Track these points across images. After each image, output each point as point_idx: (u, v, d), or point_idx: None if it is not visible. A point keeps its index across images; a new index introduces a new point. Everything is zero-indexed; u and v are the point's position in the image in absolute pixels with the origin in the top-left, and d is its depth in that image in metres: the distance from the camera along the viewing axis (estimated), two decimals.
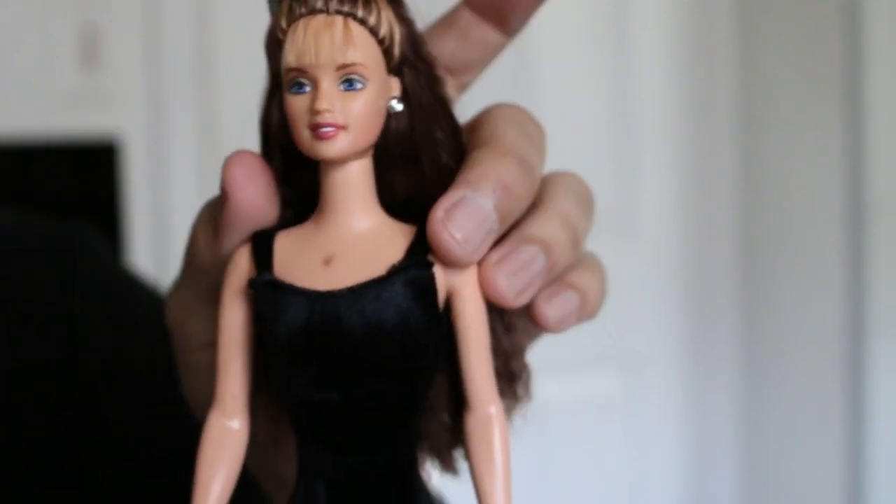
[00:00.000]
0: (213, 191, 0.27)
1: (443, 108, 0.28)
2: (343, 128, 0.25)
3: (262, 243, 0.26)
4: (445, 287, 0.26)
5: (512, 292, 0.26)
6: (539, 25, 1.77)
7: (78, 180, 1.36)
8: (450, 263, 0.26)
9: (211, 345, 0.29)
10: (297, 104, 0.25)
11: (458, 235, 0.25)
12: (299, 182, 0.27)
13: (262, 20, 0.27)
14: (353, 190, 0.26)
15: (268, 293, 0.25)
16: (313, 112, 0.25)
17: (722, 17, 1.79)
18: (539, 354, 1.48)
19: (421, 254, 0.26)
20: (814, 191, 1.66)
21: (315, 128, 0.25)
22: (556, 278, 0.29)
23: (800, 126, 1.69)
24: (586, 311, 0.31)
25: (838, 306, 1.62)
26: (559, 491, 1.74)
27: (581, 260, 0.31)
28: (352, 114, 0.25)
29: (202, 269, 0.29)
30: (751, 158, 1.79)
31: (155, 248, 1.39)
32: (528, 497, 1.72)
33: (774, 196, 1.75)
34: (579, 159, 1.90)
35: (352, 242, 0.26)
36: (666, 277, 1.82)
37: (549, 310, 0.29)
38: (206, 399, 0.29)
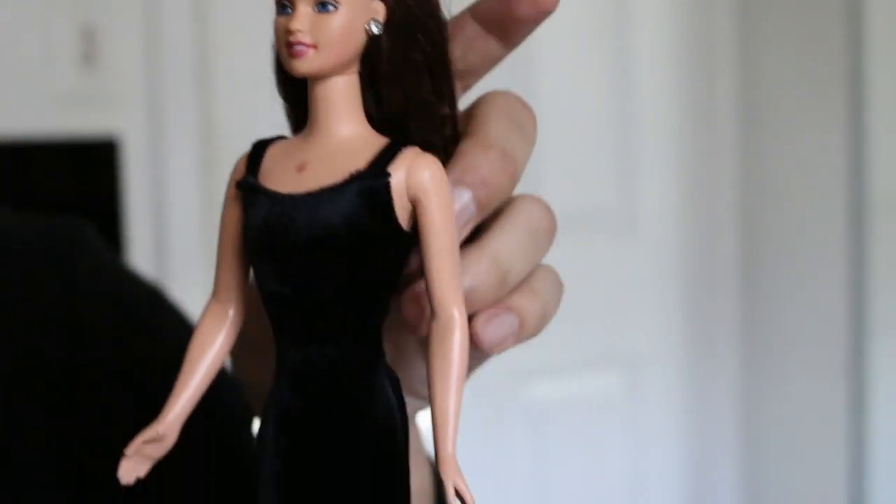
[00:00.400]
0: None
1: (427, 34, 0.29)
2: (313, 47, 0.27)
3: (257, 151, 0.29)
4: (408, 197, 0.28)
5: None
6: (542, 27, 1.75)
7: (78, 180, 1.36)
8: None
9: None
10: (278, 25, 0.28)
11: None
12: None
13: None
14: (333, 104, 0.28)
15: (247, 194, 0.28)
16: (287, 32, 0.27)
17: (723, 17, 1.79)
18: (540, 355, 1.49)
19: (384, 165, 0.27)
20: (814, 190, 1.66)
21: (289, 46, 0.27)
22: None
23: (800, 126, 1.69)
24: (525, 333, 0.32)
25: (839, 306, 1.62)
26: (559, 491, 1.74)
27: (530, 277, 0.34)
28: (322, 34, 0.27)
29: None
30: (751, 158, 1.78)
31: (154, 248, 1.39)
32: (528, 497, 1.72)
33: (775, 196, 1.75)
34: (580, 159, 1.90)
35: (327, 152, 0.28)
36: (666, 277, 1.82)
37: (486, 332, 0.31)
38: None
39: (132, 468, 0.29)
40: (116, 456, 0.29)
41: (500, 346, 0.31)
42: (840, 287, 1.62)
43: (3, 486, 0.45)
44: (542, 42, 1.67)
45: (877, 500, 1.61)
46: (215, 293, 0.30)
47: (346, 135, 0.28)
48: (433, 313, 0.28)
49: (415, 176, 0.28)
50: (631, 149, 1.76)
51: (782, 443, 1.77)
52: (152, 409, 0.28)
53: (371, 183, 0.27)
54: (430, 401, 0.28)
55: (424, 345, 0.32)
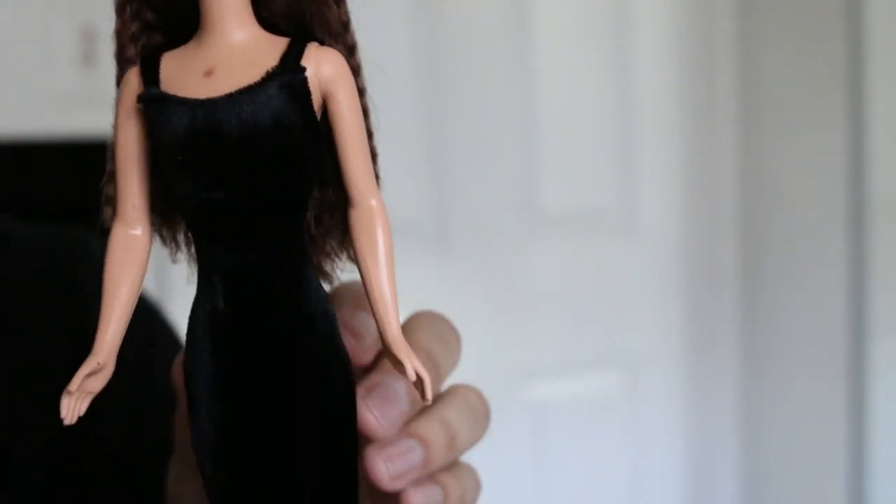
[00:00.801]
0: None
1: None
2: None
3: (149, 63, 0.29)
4: (320, 91, 0.28)
5: (387, 476, 0.30)
6: (539, 26, 1.77)
7: (77, 180, 1.36)
8: (368, 435, 0.30)
9: None
10: None
11: (377, 413, 0.30)
12: (173, 7, 0.29)
13: None
14: (227, 8, 0.28)
15: (155, 105, 0.28)
16: None
17: (723, 17, 1.79)
18: (540, 354, 1.48)
19: (294, 60, 0.27)
20: (815, 190, 1.66)
21: None
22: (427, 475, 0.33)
23: (801, 126, 1.69)
24: None
25: (839, 306, 1.62)
26: (559, 491, 1.74)
27: (456, 466, 0.35)
28: None
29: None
30: (751, 158, 1.78)
31: (153, 247, 1.39)
32: (528, 497, 1.72)
33: (775, 196, 1.75)
34: (580, 159, 1.90)
35: (230, 54, 0.28)
36: (666, 277, 1.82)
37: (415, 496, 0.31)
38: None
39: (74, 406, 0.29)
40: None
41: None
42: (840, 287, 1.62)
43: (3, 486, 0.45)
44: (541, 42, 1.67)
45: (877, 499, 1.61)
46: (121, 217, 0.30)
47: (244, 37, 0.28)
48: (351, 202, 0.28)
49: (323, 69, 0.27)
50: (631, 149, 1.76)
51: (782, 443, 1.77)
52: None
53: (289, 78, 0.27)
54: (366, 289, 0.28)
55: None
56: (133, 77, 0.30)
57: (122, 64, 0.31)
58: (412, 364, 0.27)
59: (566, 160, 1.70)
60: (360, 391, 0.30)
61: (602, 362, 1.78)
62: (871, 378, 1.60)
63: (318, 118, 0.28)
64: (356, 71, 0.29)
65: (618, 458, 1.80)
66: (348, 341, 0.30)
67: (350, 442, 0.28)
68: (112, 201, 0.30)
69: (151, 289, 0.99)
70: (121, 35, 0.30)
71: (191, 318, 0.29)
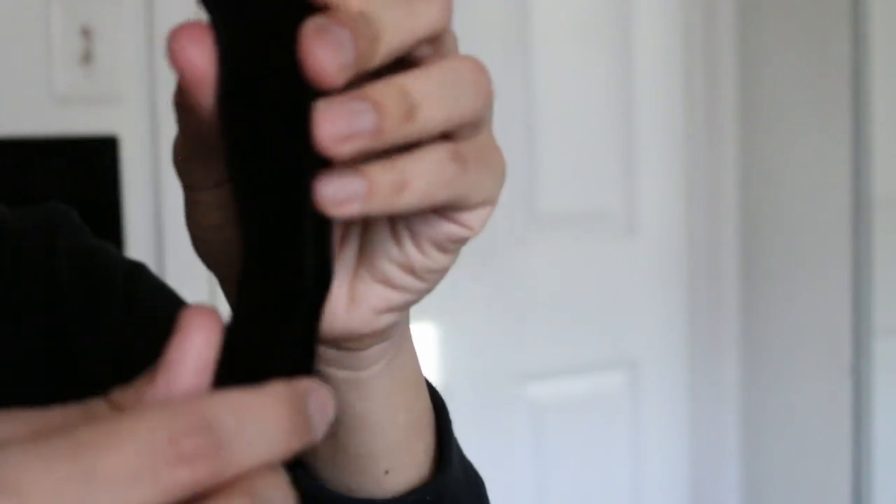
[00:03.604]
0: None
1: None
2: None
3: None
4: None
5: (329, 136, 0.26)
6: (542, 27, 1.77)
7: (77, 179, 1.36)
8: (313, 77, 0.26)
9: (217, 185, 0.31)
10: None
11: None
12: None
13: None
14: None
15: None
16: None
17: (724, 18, 1.78)
18: (541, 355, 1.49)
19: None
20: (816, 192, 1.66)
21: None
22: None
23: (801, 126, 1.68)
24: (377, 201, 0.28)
25: (840, 307, 1.62)
26: (559, 491, 1.74)
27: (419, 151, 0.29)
28: None
29: (193, 120, 0.29)
30: (752, 159, 1.78)
31: (153, 246, 1.39)
32: (528, 497, 1.72)
33: (776, 198, 1.75)
34: (581, 160, 1.91)
35: None
36: (668, 278, 1.82)
37: (325, 187, 0.27)
38: (213, 234, 0.32)
39: None
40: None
41: (344, 145, 0.27)
42: (842, 287, 1.62)
43: None
44: (541, 43, 1.67)
45: (878, 498, 1.61)
46: None
47: None
48: None
49: None
50: (632, 150, 1.76)
51: (783, 443, 1.77)
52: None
53: None
54: None
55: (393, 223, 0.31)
56: None
57: None
58: None
59: (566, 160, 1.70)
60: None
61: (602, 362, 1.78)
62: (872, 378, 1.60)
63: None
64: None
65: (618, 458, 1.80)
66: None
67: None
68: None
69: None
70: None
71: None
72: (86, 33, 1.34)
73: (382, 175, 0.27)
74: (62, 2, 1.32)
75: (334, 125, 0.26)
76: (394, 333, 0.37)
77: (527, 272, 1.69)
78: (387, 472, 0.41)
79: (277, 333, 0.27)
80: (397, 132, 0.27)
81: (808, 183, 1.68)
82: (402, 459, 0.42)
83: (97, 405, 0.26)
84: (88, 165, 1.36)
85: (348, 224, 0.35)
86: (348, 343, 0.36)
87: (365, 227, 0.34)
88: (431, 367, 1.61)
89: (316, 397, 0.25)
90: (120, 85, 1.36)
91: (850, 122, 1.58)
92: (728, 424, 1.84)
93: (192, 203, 0.33)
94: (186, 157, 0.31)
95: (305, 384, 0.25)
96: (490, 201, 0.32)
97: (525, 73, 1.65)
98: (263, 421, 0.24)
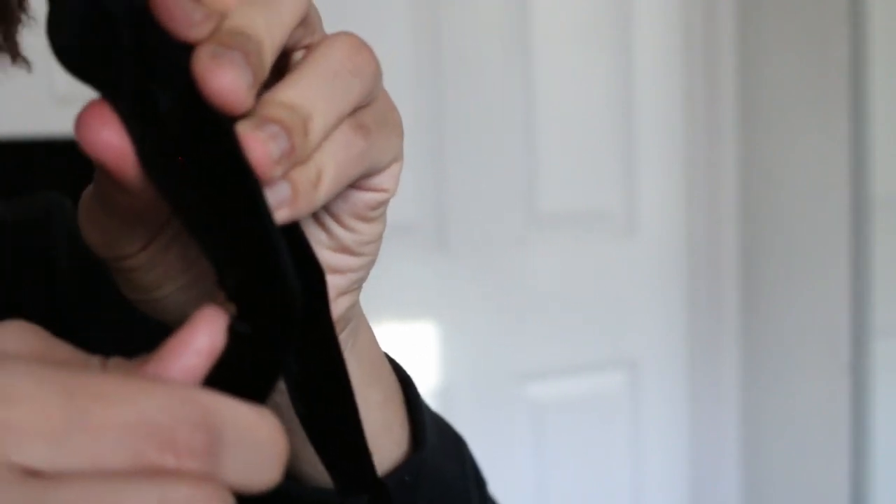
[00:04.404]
0: None
1: None
2: None
3: None
4: None
5: (264, 160, 0.26)
6: (542, 27, 1.77)
7: (77, 179, 1.36)
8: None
9: (143, 248, 0.32)
10: None
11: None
12: None
13: None
14: None
15: None
16: None
17: (724, 18, 1.78)
18: (541, 355, 1.49)
19: None
20: (815, 192, 1.66)
21: None
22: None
23: (801, 126, 1.68)
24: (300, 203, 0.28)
25: (840, 307, 1.62)
26: (559, 491, 1.74)
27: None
28: None
29: (124, 196, 0.29)
30: (752, 159, 1.78)
31: None
32: (528, 497, 1.72)
33: (776, 198, 1.75)
34: (581, 160, 1.90)
35: None
36: (667, 278, 1.82)
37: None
38: (159, 293, 0.33)
39: None
40: None
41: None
42: (841, 287, 1.62)
43: None
44: (542, 42, 1.67)
45: (878, 498, 1.61)
46: None
47: None
48: None
49: None
50: (632, 150, 1.76)
51: (783, 443, 1.77)
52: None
53: None
54: None
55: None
56: None
57: None
58: None
59: (566, 160, 1.70)
60: None
61: (602, 362, 1.78)
62: (871, 378, 1.60)
63: None
64: None
65: (618, 458, 1.80)
66: None
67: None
68: None
69: None
70: None
71: None
72: None
73: (299, 174, 0.28)
74: None
75: (266, 150, 0.26)
76: (352, 316, 0.38)
77: (527, 272, 1.69)
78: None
79: (285, 342, 0.27)
80: (304, 146, 0.27)
81: (808, 183, 1.68)
82: (381, 440, 0.42)
83: (93, 360, 0.26)
84: (88, 165, 1.36)
85: None
86: None
87: None
88: (431, 368, 1.61)
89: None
90: None
91: (850, 122, 1.58)
92: (728, 424, 1.84)
93: (125, 272, 0.33)
94: (110, 233, 0.32)
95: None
96: (397, 158, 0.33)
97: (525, 73, 1.65)
98: (261, 446, 0.23)
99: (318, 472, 0.42)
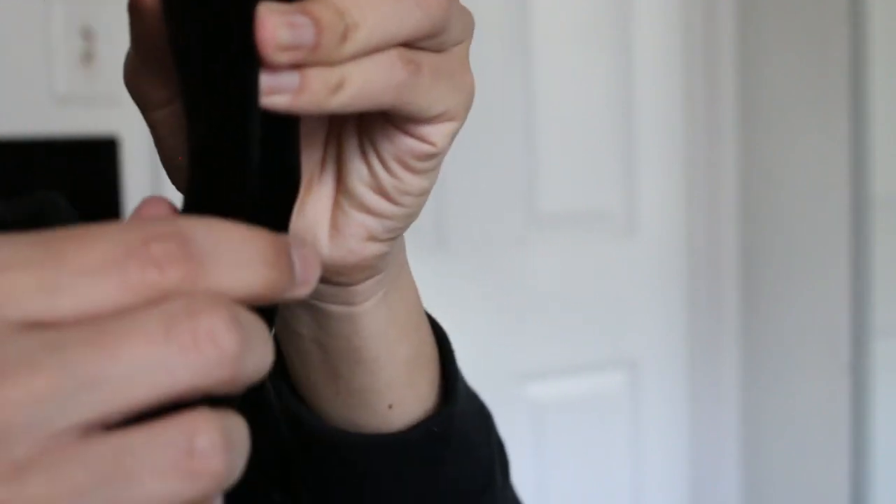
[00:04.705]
0: None
1: None
2: None
3: None
4: None
5: (272, 44, 0.26)
6: (542, 27, 1.77)
7: (77, 179, 1.36)
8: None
9: (169, 102, 0.32)
10: None
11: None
12: None
13: None
14: None
15: None
16: None
17: (724, 18, 1.78)
18: (541, 355, 1.49)
19: None
20: (816, 192, 1.66)
21: None
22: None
23: (801, 126, 1.68)
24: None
25: (840, 307, 1.62)
26: (559, 491, 1.74)
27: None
28: None
29: (142, 24, 0.30)
30: (752, 159, 1.78)
31: None
32: (528, 497, 1.72)
33: (776, 198, 1.75)
34: (581, 160, 1.90)
35: None
36: (667, 278, 1.82)
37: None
38: (174, 153, 0.33)
39: None
40: None
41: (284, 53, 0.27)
42: (841, 287, 1.62)
43: None
44: (542, 43, 1.67)
45: (878, 498, 1.61)
46: None
47: None
48: None
49: None
50: (632, 150, 1.76)
51: (783, 443, 1.77)
52: None
53: None
54: None
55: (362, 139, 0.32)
56: None
57: None
58: None
59: (566, 160, 1.70)
60: None
61: (602, 362, 1.78)
62: (871, 378, 1.60)
63: None
64: None
65: (618, 458, 1.80)
66: None
67: None
68: None
69: None
70: None
71: None
72: (86, 33, 1.34)
73: (318, 72, 0.27)
74: (62, 2, 1.32)
75: (276, 33, 0.26)
76: (384, 267, 0.37)
77: (527, 272, 1.69)
78: (390, 407, 0.42)
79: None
80: (334, 50, 0.27)
81: (807, 183, 1.68)
82: (404, 394, 0.42)
83: None
84: (88, 166, 1.36)
85: (325, 150, 0.35)
86: (338, 276, 0.36)
87: (339, 152, 0.35)
88: None
89: (301, 251, 0.25)
90: (120, 85, 1.35)
91: (850, 122, 1.58)
92: (728, 424, 1.84)
93: (152, 127, 0.33)
94: (136, 70, 0.32)
95: (290, 237, 0.25)
96: (452, 116, 0.32)
97: (525, 73, 1.65)
98: (241, 247, 0.23)
99: (337, 412, 0.42)
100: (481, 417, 0.50)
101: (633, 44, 1.75)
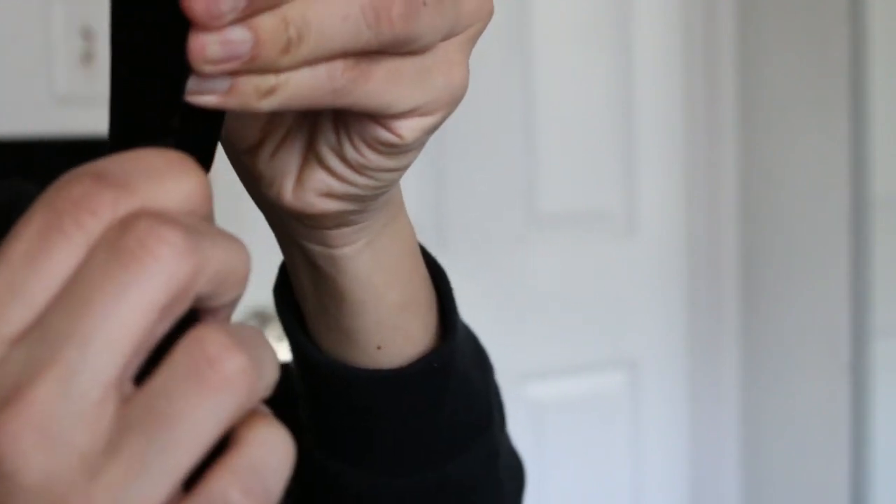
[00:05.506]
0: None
1: None
2: None
3: None
4: None
5: (201, 57, 0.26)
6: (542, 27, 1.77)
7: None
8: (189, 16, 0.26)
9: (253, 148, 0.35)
10: None
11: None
12: None
13: None
14: None
15: None
16: None
17: (724, 18, 1.78)
18: (540, 355, 1.49)
19: None
20: (815, 192, 1.66)
21: None
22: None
23: (801, 127, 1.68)
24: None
25: (840, 307, 1.62)
26: (559, 491, 1.74)
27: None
28: None
29: None
30: (752, 159, 1.78)
31: None
32: (528, 497, 1.72)
33: (776, 198, 1.75)
34: (581, 160, 1.90)
35: None
36: (667, 278, 1.82)
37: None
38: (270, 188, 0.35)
39: None
40: None
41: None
42: (841, 287, 1.62)
43: None
44: (542, 43, 1.67)
45: (878, 498, 1.61)
46: None
47: None
48: None
49: None
50: (632, 150, 1.76)
51: (783, 443, 1.77)
52: None
53: None
54: None
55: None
56: None
57: None
58: None
59: (566, 160, 1.70)
60: None
61: (602, 362, 1.78)
62: (871, 378, 1.60)
63: None
64: None
65: (618, 458, 1.80)
66: None
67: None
68: None
69: None
70: None
71: None
72: (86, 33, 1.34)
73: (249, 78, 0.27)
74: (62, 2, 1.32)
75: (205, 49, 0.26)
76: (360, 220, 0.38)
77: (527, 272, 1.69)
78: (379, 348, 0.43)
79: None
80: (272, 62, 0.26)
81: (807, 183, 1.68)
82: (394, 337, 0.43)
83: None
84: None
85: (303, 111, 0.35)
86: (304, 220, 0.37)
87: (316, 116, 0.35)
88: None
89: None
90: None
91: (850, 122, 1.58)
92: (728, 424, 1.84)
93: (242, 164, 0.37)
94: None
95: None
96: (425, 112, 0.31)
97: (525, 73, 1.65)
98: (150, 161, 0.24)
99: (332, 348, 0.43)
100: (479, 359, 0.51)
101: (633, 44, 1.74)
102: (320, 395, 0.44)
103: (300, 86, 0.28)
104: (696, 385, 1.85)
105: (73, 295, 0.22)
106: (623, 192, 1.76)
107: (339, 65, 0.28)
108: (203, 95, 0.27)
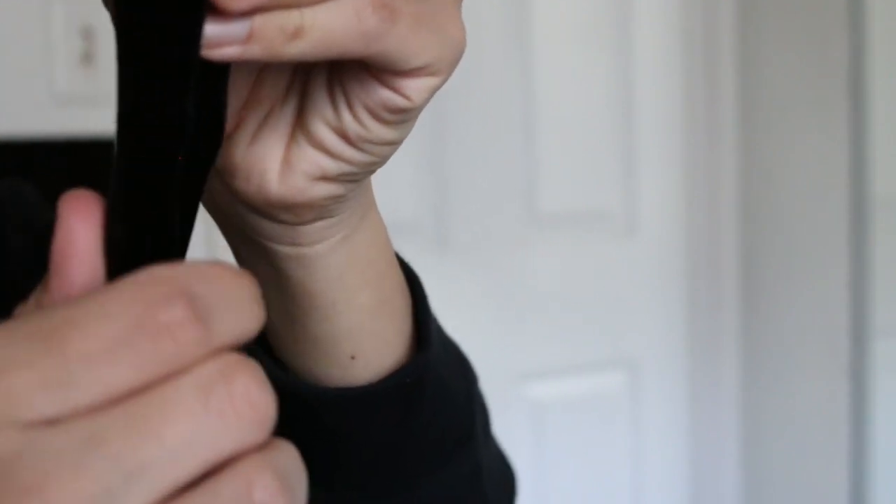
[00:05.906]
0: None
1: None
2: None
3: None
4: None
5: None
6: (542, 27, 1.77)
7: (77, 179, 1.36)
8: None
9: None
10: None
11: None
12: None
13: None
14: None
15: None
16: None
17: (724, 18, 1.78)
18: (541, 354, 1.49)
19: None
20: (815, 192, 1.66)
21: None
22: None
23: (801, 127, 1.68)
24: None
25: (840, 307, 1.62)
26: (559, 491, 1.74)
27: None
28: None
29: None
30: (752, 159, 1.78)
31: None
32: (528, 497, 1.72)
33: (776, 198, 1.75)
34: (581, 160, 1.90)
35: None
36: (667, 278, 1.82)
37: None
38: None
39: None
40: None
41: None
42: (841, 287, 1.62)
43: None
44: (542, 42, 1.67)
45: (877, 498, 1.61)
46: None
47: None
48: None
49: None
50: (632, 150, 1.76)
51: (783, 444, 1.77)
52: None
53: None
54: None
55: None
56: None
57: None
58: None
59: (566, 160, 1.70)
60: None
61: (602, 362, 1.78)
62: (871, 379, 1.60)
63: None
64: None
65: (618, 458, 1.80)
66: None
67: None
68: None
69: None
70: None
71: None
72: (86, 33, 1.34)
73: (271, 19, 0.25)
74: (62, 2, 1.32)
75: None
76: (340, 210, 0.35)
77: (527, 272, 1.69)
78: (353, 358, 0.40)
79: (158, 200, 0.26)
80: None
81: (807, 183, 1.68)
82: (368, 344, 0.40)
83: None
84: (88, 165, 1.36)
85: (291, 80, 0.32)
86: (284, 213, 0.34)
87: (306, 86, 0.32)
88: None
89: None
90: None
91: (850, 122, 1.58)
92: (728, 424, 1.84)
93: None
94: None
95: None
96: (434, 71, 0.30)
97: (525, 73, 1.65)
98: (236, 292, 0.23)
99: (300, 363, 0.41)
100: (461, 368, 0.47)
101: (633, 44, 1.75)
102: (286, 417, 0.43)
103: (328, 27, 0.26)
104: (696, 385, 1.85)
105: (141, 414, 0.21)
106: (623, 192, 1.76)
107: (362, 3, 0.26)
108: (222, 48, 0.24)
